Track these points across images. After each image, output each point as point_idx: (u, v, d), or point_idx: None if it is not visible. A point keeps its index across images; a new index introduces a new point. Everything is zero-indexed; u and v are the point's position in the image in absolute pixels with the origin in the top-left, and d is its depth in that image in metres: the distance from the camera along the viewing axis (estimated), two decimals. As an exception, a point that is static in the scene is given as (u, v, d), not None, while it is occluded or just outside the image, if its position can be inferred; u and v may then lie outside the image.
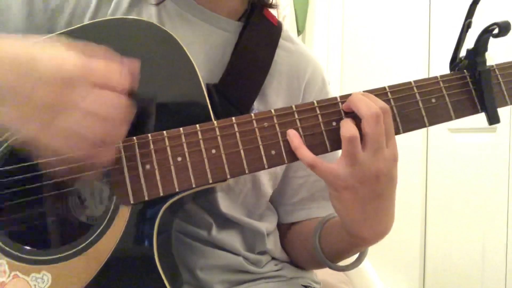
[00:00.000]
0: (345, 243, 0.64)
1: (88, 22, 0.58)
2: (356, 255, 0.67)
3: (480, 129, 1.63)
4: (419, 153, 1.88)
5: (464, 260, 1.68)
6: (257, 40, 0.69)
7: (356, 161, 0.52)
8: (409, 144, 1.83)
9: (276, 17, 0.75)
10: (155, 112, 0.55)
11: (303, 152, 0.54)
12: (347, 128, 0.53)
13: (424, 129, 1.85)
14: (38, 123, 0.43)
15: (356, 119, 0.54)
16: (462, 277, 1.68)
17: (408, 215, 1.91)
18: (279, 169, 0.73)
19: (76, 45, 0.46)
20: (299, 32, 2.47)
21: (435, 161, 1.86)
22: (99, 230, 0.51)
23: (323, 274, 0.85)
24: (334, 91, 0.77)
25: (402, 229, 1.93)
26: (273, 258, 0.74)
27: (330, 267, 0.69)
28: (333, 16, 2.45)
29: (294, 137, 0.55)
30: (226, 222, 0.68)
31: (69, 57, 0.44)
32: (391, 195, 0.56)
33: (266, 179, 0.70)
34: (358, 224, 0.57)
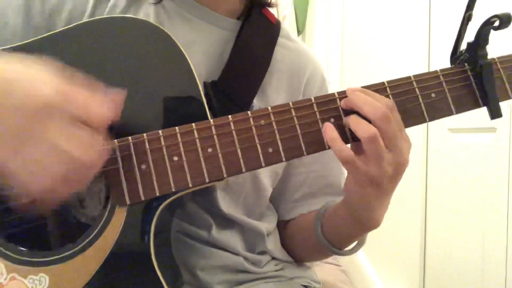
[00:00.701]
0: (351, 230, 0.64)
1: (83, 21, 0.58)
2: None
3: (480, 129, 1.63)
4: (419, 153, 1.88)
5: (464, 260, 1.68)
6: (256, 38, 0.69)
7: (383, 158, 0.52)
8: (409, 144, 1.82)
9: (275, 16, 0.75)
10: (150, 111, 0.55)
11: (340, 146, 0.53)
12: (362, 128, 0.52)
13: (424, 129, 1.86)
14: (6, 148, 0.41)
15: (360, 114, 0.54)
16: (462, 277, 1.68)
17: (408, 215, 1.91)
18: (280, 167, 0.73)
19: (59, 70, 0.44)
20: (299, 32, 2.47)
21: (435, 161, 1.86)
22: (95, 231, 0.51)
23: (323, 274, 0.85)
24: (334, 91, 0.77)
25: (402, 229, 1.93)
26: (273, 258, 0.74)
27: (335, 253, 0.69)
28: (333, 16, 2.45)
29: (330, 129, 0.54)
30: (226, 222, 0.68)
31: (47, 83, 0.42)
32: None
33: (266, 178, 0.70)
34: (374, 213, 0.58)
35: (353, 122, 0.53)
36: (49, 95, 0.42)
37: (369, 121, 0.53)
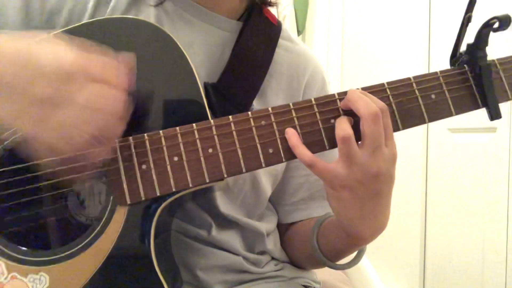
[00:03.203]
0: (343, 241, 0.63)
1: (85, 22, 0.58)
2: (355, 253, 0.67)
3: (480, 129, 1.63)
4: (419, 153, 1.88)
5: (464, 260, 1.68)
6: (256, 39, 0.69)
7: (354, 160, 0.52)
8: (409, 144, 1.83)
9: (276, 17, 0.75)
10: (151, 111, 0.55)
11: (302, 150, 0.54)
12: (342, 127, 0.53)
13: (424, 129, 1.86)
14: (34, 117, 0.43)
15: (355, 117, 0.54)
16: (462, 277, 1.68)
17: (408, 215, 1.91)
18: (279, 169, 0.73)
19: (75, 42, 0.46)
20: (299, 32, 2.47)
21: (435, 161, 1.86)
22: (96, 231, 0.51)
23: (323, 274, 0.85)
24: (334, 91, 0.76)
25: (402, 229, 1.93)
26: (273, 258, 0.74)
27: (330, 266, 0.68)
28: (333, 16, 2.45)
29: (292, 135, 0.54)
30: (226, 222, 0.68)
31: (68, 52, 0.44)
32: (389, 194, 0.56)
33: (266, 178, 0.70)
34: (355, 223, 0.57)
35: (338, 120, 0.54)
36: (72, 61, 0.44)
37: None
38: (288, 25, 2.31)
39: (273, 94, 0.70)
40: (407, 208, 1.91)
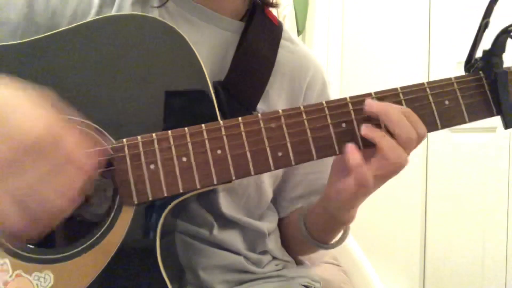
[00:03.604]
0: (329, 225, 0.67)
1: (94, 18, 0.57)
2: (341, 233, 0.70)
3: (480, 129, 1.63)
4: (419, 153, 1.88)
5: (464, 260, 1.68)
6: (259, 39, 0.69)
7: (369, 181, 0.53)
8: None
9: (277, 17, 0.75)
10: (160, 109, 0.54)
11: (365, 172, 0.53)
12: (398, 157, 0.52)
13: (424, 129, 1.86)
14: None
15: (372, 121, 0.54)
16: (462, 277, 1.69)
17: (408, 215, 1.91)
18: (280, 170, 0.73)
19: (54, 103, 0.44)
20: (299, 32, 2.47)
21: (435, 161, 1.86)
22: (102, 230, 0.51)
23: (323, 274, 0.85)
24: (334, 91, 0.77)
25: (402, 229, 1.93)
26: (274, 258, 0.74)
27: (321, 247, 0.71)
28: (333, 16, 2.45)
29: (354, 152, 0.53)
30: (227, 222, 0.68)
31: (41, 120, 0.42)
32: None
33: (268, 179, 0.71)
34: (352, 211, 0.61)
35: (389, 148, 0.53)
36: (41, 133, 0.41)
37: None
38: (288, 25, 2.31)
39: (276, 95, 0.70)
40: (407, 208, 1.91)
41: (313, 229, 0.70)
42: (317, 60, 0.79)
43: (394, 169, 0.53)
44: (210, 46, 0.67)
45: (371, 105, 0.54)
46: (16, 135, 0.41)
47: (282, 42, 0.73)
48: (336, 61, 2.41)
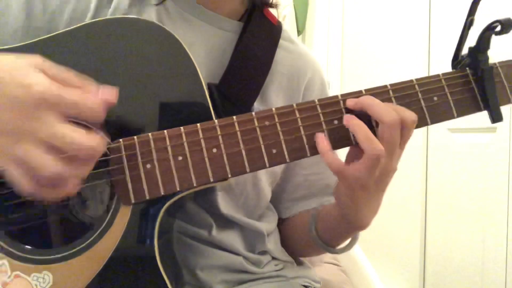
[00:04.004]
0: (344, 229, 0.66)
1: (88, 22, 0.57)
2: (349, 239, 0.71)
3: (480, 129, 1.63)
4: (419, 153, 1.88)
5: (464, 260, 1.68)
6: (257, 39, 0.69)
7: (378, 168, 0.53)
8: (409, 144, 1.82)
9: (276, 17, 0.75)
10: (155, 111, 0.55)
11: (331, 158, 0.54)
12: (376, 146, 0.52)
13: (424, 129, 1.86)
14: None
15: (362, 117, 0.54)
16: (462, 277, 1.68)
17: (408, 215, 1.91)
18: (278, 168, 0.73)
19: (50, 69, 0.43)
20: (299, 32, 2.47)
21: (435, 161, 1.86)
22: (100, 230, 0.51)
23: (323, 274, 0.85)
24: (334, 91, 0.77)
25: (402, 229, 1.93)
26: (274, 258, 0.74)
27: (329, 251, 0.71)
28: (333, 16, 2.45)
29: (322, 140, 0.55)
30: (226, 222, 0.68)
31: (39, 83, 0.42)
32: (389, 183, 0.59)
33: (265, 178, 0.71)
34: (362, 214, 0.60)
35: (363, 137, 0.53)
36: (44, 88, 0.41)
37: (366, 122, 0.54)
38: (288, 25, 2.31)
39: (274, 95, 0.71)
40: (407, 208, 1.91)
41: (323, 231, 0.70)
42: (316, 60, 0.79)
43: (372, 163, 0.52)
44: (208, 46, 0.67)
45: (351, 100, 0.56)
46: (18, 95, 0.41)
47: (281, 42, 0.73)
48: (336, 61, 2.42)
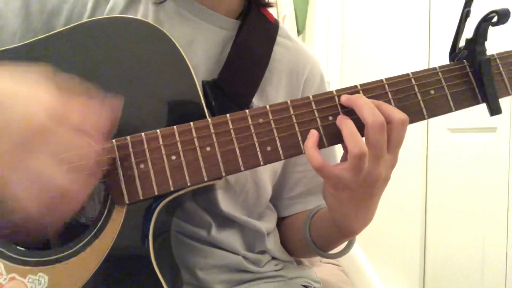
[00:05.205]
0: (334, 234, 0.66)
1: (82, 22, 0.57)
2: (345, 243, 0.70)
3: (480, 129, 1.63)
4: (419, 153, 1.88)
5: (464, 260, 1.68)
6: (255, 37, 0.69)
7: (362, 170, 0.52)
8: (409, 144, 1.82)
9: (274, 16, 0.76)
10: (149, 111, 0.55)
11: (313, 153, 0.53)
12: (357, 144, 0.51)
13: (424, 129, 1.86)
14: (6, 161, 0.41)
15: (354, 114, 0.53)
16: (462, 277, 1.68)
17: (408, 215, 1.91)
18: (278, 166, 0.73)
19: (52, 76, 0.44)
20: (299, 32, 2.47)
21: (435, 161, 1.86)
22: (94, 231, 0.51)
23: (323, 274, 0.85)
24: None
25: (402, 229, 1.93)
26: (273, 258, 0.74)
27: (322, 256, 0.71)
28: (333, 16, 2.45)
29: (312, 136, 0.54)
30: (225, 222, 0.68)
31: (41, 105, 0.42)
32: (381, 193, 0.57)
33: (266, 175, 0.70)
34: (348, 219, 0.59)
35: (348, 134, 0.52)
36: (43, 120, 0.42)
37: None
38: (288, 25, 2.31)
39: (273, 91, 0.71)
40: (407, 208, 1.91)
41: (316, 234, 0.70)
42: (315, 56, 0.79)
43: (354, 163, 0.51)
44: (206, 44, 0.67)
45: (344, 96, 0.55)
46: (19, 127, 0.41)
47: (279, 39, 0.73)
48: (336, 61, 2.42)
